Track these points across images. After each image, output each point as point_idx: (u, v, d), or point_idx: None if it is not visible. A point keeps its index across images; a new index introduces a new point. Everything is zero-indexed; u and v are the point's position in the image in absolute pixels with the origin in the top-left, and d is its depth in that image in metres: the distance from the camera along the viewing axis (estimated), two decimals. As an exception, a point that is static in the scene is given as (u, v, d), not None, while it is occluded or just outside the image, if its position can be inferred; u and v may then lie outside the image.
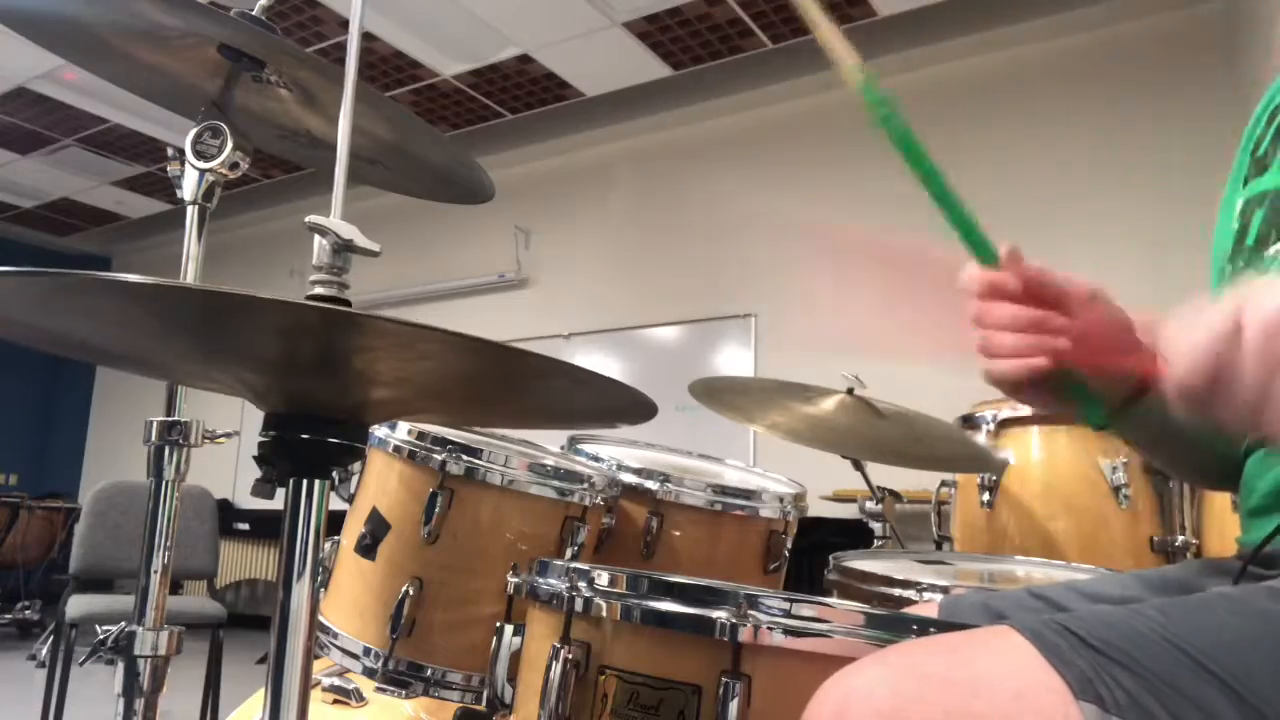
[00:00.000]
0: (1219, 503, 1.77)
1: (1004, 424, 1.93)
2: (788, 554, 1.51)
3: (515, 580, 0.88)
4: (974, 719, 0.51)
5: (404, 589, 1.18)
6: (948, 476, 2.06)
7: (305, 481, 0.73)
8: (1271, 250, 0.76)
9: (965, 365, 0.74)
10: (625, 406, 0.75)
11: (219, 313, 0.58)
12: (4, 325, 0.65)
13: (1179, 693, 0.52)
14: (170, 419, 1.03)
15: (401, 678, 1.18)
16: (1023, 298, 0.73)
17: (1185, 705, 0.51)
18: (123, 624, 0.96)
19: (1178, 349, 0.55)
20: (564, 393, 0.75)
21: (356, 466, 1.29)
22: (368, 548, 1.22)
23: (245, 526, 5.95)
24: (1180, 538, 1.79)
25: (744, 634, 0.69)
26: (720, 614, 0.70)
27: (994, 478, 1.89)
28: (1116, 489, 1.79)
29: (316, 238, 0.72)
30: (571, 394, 0.75)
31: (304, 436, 0.72)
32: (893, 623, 0.69)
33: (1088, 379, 0.75)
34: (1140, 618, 0.56)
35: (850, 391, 1.73)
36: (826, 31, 0.68)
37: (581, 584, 0.78)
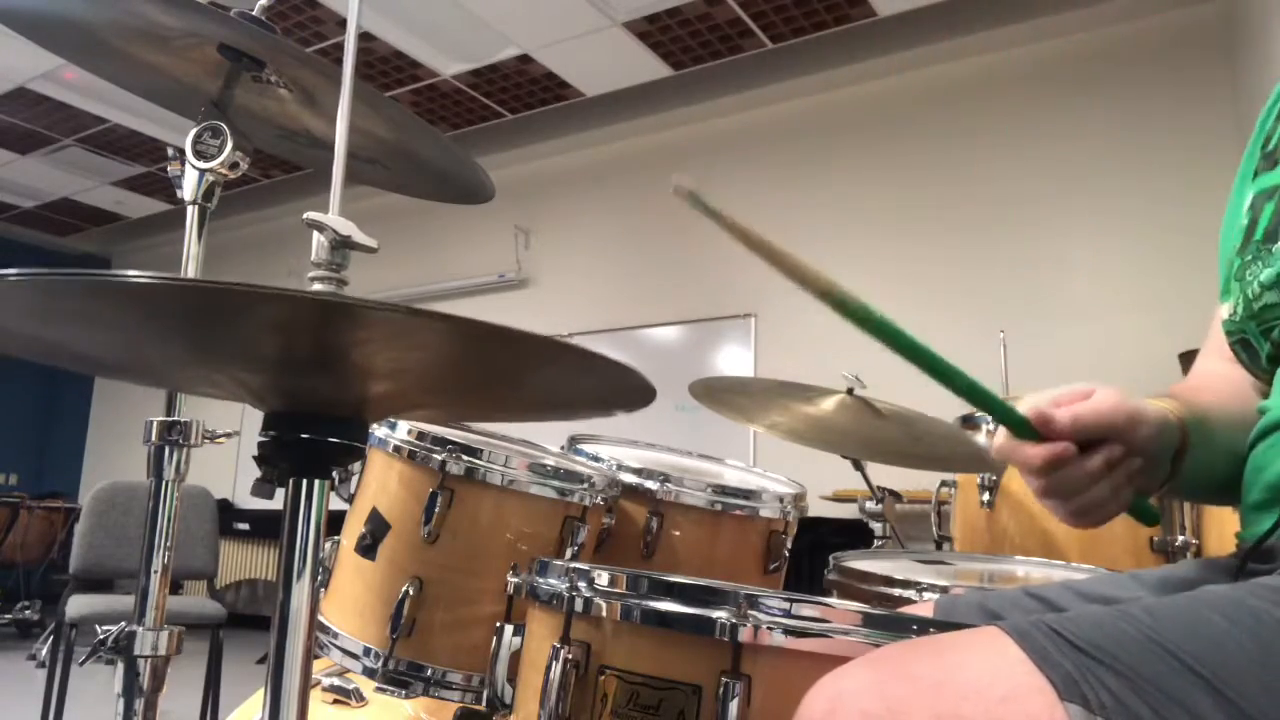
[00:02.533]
0: (1219, 502, 1.77)
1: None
2: (788, 554, 1.50)
3: (515, 580, 0.88)
4: None
5: (404, 589, 1.18)
6: (948, 476, 2.06)
7: (305, 481, 0.73)
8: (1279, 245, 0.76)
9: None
10: (624, 392, 0.75)
11: (216, 309, 0.58)
12: (3, 338, 0.65)
13: (1164, 693, 0.52)
14: (170, 419, 1.03)
15: (401, 678, 1.18)
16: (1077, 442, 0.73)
17: (1170, 706, 0.51)
18: (123, 624, 0.96)
19: None
20: (562, 378, 0.75)
21: (356, 466, 1.29)
22: (368, 548, 1.22)
23: (245, 526, 5.95)
24: (1180, 538, 1.79)
25: (744, 634, 0.69)
26: (720, 614, 0.70)
27: (994, 478, 1.89)
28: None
29: (315, 234, 0.72)
30: (569, 379, 0.75)
31: (304, 436, 0.72)
32: (892, 623, 0.69)
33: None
34: (1127, 618, 0.56)
35: (850, 391, 1.73)
36: (787, 258, 0.70)
37: (581, 584, 0.78)
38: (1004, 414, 0.73)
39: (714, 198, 0.62)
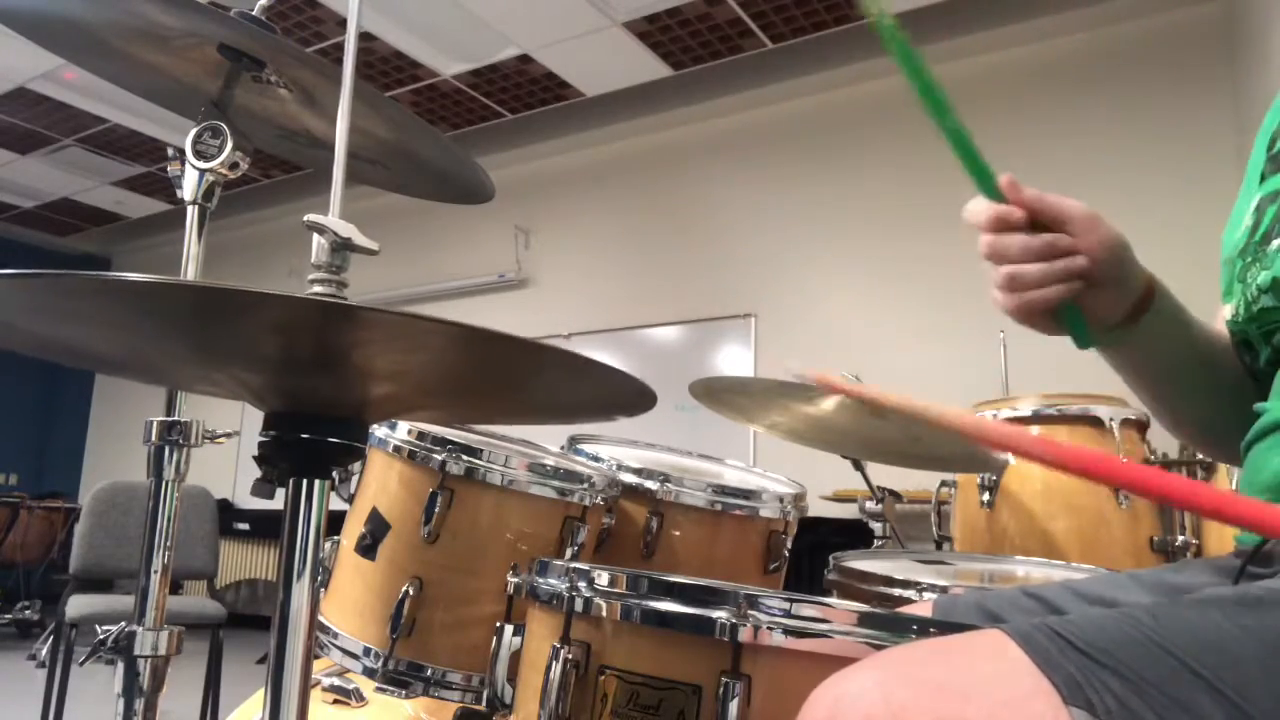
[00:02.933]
0: (1219, 502, 1.77)
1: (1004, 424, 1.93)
2: (788, 554, 1.50)
3: (515, 580, 0.88)
4: None
5: (404, 589, 1.18)
6: (948, 476, 2.06)
7: (305, 481, 0.73)
8: (1275, 245, 0.76)
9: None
10: (625, 397, 0.75)
11: (216, 310, 0.58)
12: (3, 332, 0.65)
13: (1168, 697, 0.51)
14: (170, 419, 1.03)
15: (401, 678, 1.18)
16: (1028, 226, 0.77)
17: (1174, 709, 0.51)
18: (123, 624, 0.96)
19: None
20: (562, 384, 0.75)
21: (356, 466, 1.29)
22: (368, 548, 1.22)
23: (245, 526, 5.95)
24: (1180, 538, 1.79)
25: (744, 634, 0.69)
26: (720, 614, 0.70)
27: (994, 478, 1.89)
28: (1117, 489, 1.79)
29: (315, 236, 0.72)
30: (570, 385, 0.75)
31: (304, 436, 0.72)
32: (893, 623, 0.69)
33: (1081, 306, 0.79)
34: (1131, 621, 0.56)
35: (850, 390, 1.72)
36: None
37: (581, 584, 0.78)
38: (979, 170, 0.77)
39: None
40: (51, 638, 3.21)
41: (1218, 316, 0.89)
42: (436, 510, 1.19)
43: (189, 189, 1.06)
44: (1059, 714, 0.51)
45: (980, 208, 0.77)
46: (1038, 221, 0.77)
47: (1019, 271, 0.76)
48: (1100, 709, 0.51)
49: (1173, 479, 0.54)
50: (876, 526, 2.07)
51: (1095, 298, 0.79)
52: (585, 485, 1.26)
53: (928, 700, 0.53)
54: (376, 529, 1.22)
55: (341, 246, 0.72)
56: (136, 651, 0.96)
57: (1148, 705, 0.51)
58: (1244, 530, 0.58)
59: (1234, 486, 1.53)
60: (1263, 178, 0.83)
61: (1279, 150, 0.82)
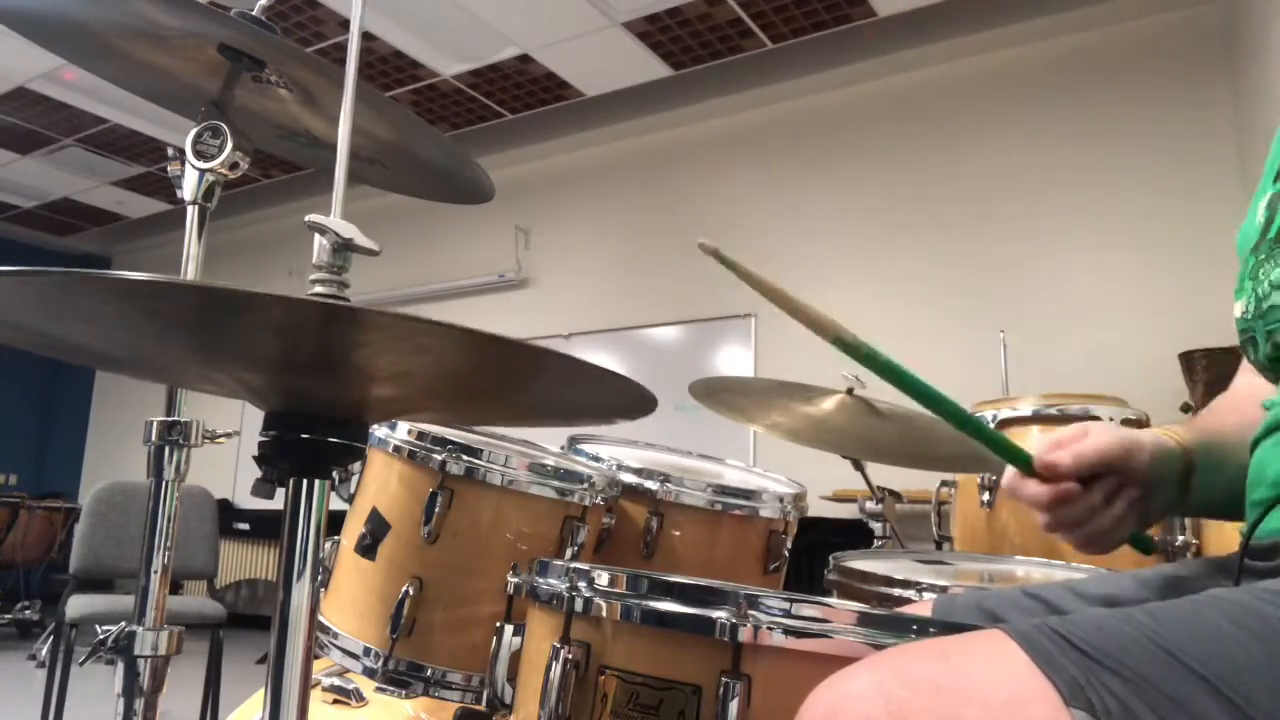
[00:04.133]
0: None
1: (1004, 424, 1.93)
2: (788, 554, 1.50)
3: (515, 580, 0.88)
4: None
5: (404, 589, 1.18)
6: (948, 476, 2.06)
7: (305, 481, 0.73)
8: None
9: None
10: (625, 400, 0.75)
11: (217, 310, 0.58)
12: (3, 329, 0.65)
13: (1169, 697, 0.51)
14: (170, 419, 1.03)
15: (401, 678, 1.18)
16: (1076, 478, 0.79)
17: (1175, 710, 0.51)
18: (123, 624, 0.96)
19: None
20: (563, 387, 0.75)
21: (356, 466, 1.29)
22: (368, 548, 1.22)
23: (245, 526, 5.95)
24: (1180, 537, 1.79)
25: (744, 634, 0.69)
26: (720, 614, 0.70)
27: (994, 478, 1.89)
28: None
29: (316, 237, 0.72)
30: (571, 388, 0.75)
31: (304, 436, 0.72)
32: (893, 623, 0.69)
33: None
34: (1131, 621, 0.56)
35: (850, 391, 1.73)
36: (801, 306, 0.74)
37: (581, 584, 0.78)
38: (1011, 454, 0.79)
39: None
40: (51, 638, 3.21)
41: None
42: (436, 510, 1.19)
43: (189, 189, 1.06)
44: (1060, 715, 0.51)
45: (1036, 493, 0.79)
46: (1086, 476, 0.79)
47: (1097, 528, 0.80)
48: (1101, 710, 0.51)
49: None
50: (876, 526, 2.07)
51: (1149, 503, 0.82)
52: (585, 485, 1.26)
53: (927, 700, 0.53)
54: (376, 529, 1.22)
55: (343, 247, 0.72)
56: (136, 651, 0.96)
57: (1149, 706, 0.51)
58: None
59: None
60: (1277, 175, 0.83)
61: None
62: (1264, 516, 0.69)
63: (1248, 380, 0.91)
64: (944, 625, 0.68)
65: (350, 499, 1.29)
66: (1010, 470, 0.81)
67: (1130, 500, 0.79)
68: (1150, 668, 0.53)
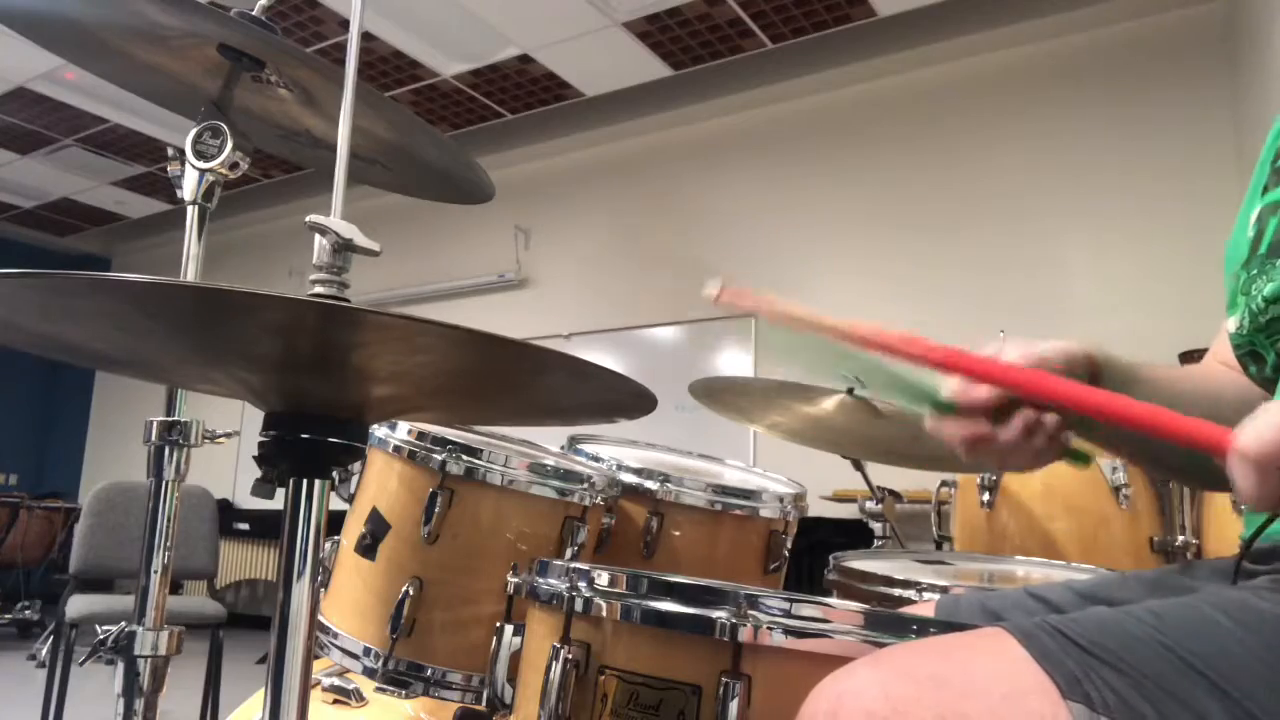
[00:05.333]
0: (1219, 502, 1.77)
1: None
2: (788, 554, 1.50)
3: (515, 580, 0.88)
4: None
5: (404, 589, 1.18)
6: (948, 476, 2.06)
7: (305, 481, 0.73)
8: None
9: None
10: (625, 400, 0.75)
11: (217, 311, 0.58)
12: (3, 330, 0.65)
13: (1168, 694, 0.52)
14: (170, 419, 1.03)
15: (401, 678, 1.18)
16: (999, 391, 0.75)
17: (1174, 706, 0.51)
18: (123, 624, 0.96)
19: (1265, 419, 0.55)
20: (563, 387, 0.75)
21: (356, 466, 1.29)
22: (368, 548, 1.22)
23: (245, 526, 5.95)
24: (1180, 538, 1.79)
25: (744, 634, 0.69)
26: (720, 614, 0.70)
27: (994, 478, 1.89)
28: (1116, 489, 1.80)
29: (316, 237, 0.72)
30: (570, 388, 0.75)
31: (304, 436, 0.72)
32: (892, 623, 0.69)
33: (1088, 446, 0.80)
34: (1132, 619, 0.56)
35: (850, 391, 1.73)
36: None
37: (581, 584, 0.78)
38: (931, 400, 0.78)
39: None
40: (51, 638, 3.21)
41: (1221, 331, 0.89)
42: (436, 510, 1.19)
43: (189, 189, 1.06)
44: (1058, 708, 0.51)
45: (951, 433, 0.78)
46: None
47: (1021, 459, 0.77)
48: (1099, 703, 0.51)
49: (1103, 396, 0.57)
50: (876, 526, 2.07)
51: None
52: (585, 485, 1.26)
53: (928, 696, 0.53)
54: (376, 529, 1.22)
55: (343, 247, 0.72)
56: (136, 651, 0.96)
57: (1147, 700, 0.51)
58: (1188, 449, 0.59)
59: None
60: (1264, 190, 0.83)
61: None
62: (1266, 525, 0.69)
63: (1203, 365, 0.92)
64: (944, 625, 0.69)
65: (350, 499, 1.29)
66: (929, 417, 0.78)
67: (1050, 429, 0.76)
68: (1148, 663, 0.53)
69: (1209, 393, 0.87)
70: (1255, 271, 0.79)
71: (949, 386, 0.76)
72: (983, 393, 0.75)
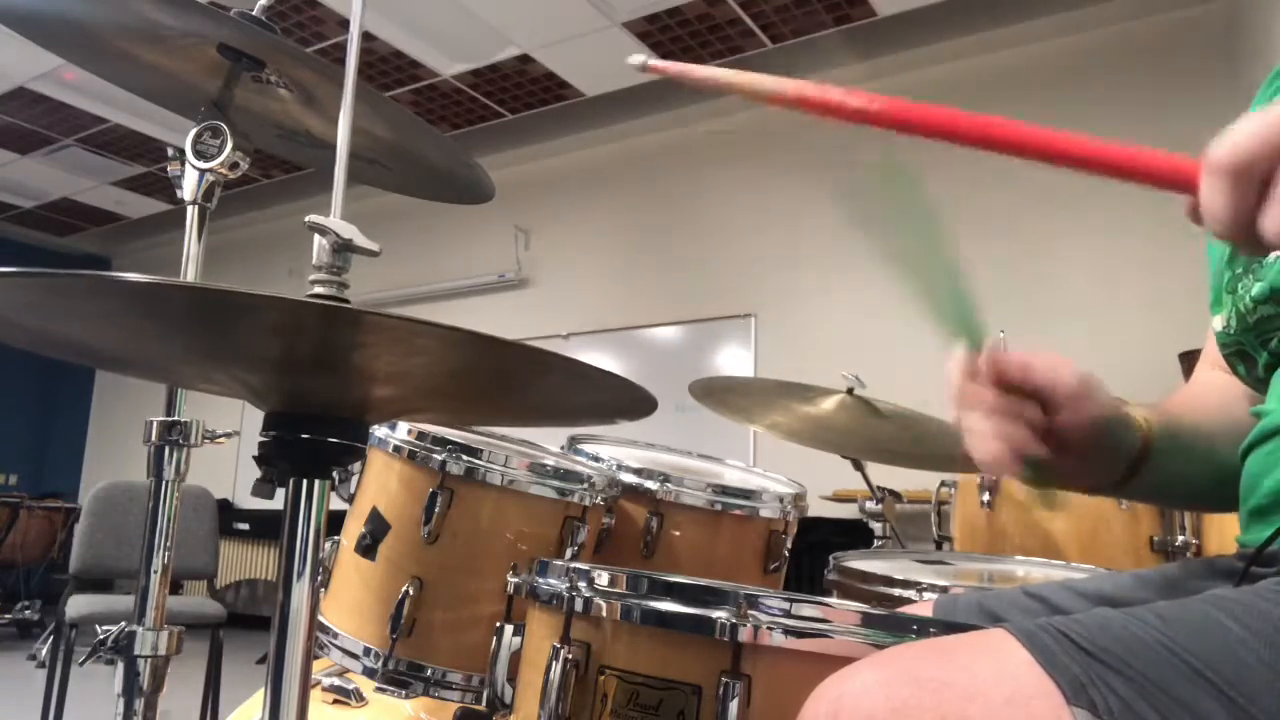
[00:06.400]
0: (1219, 503, 1.77)
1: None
2: (788, 554, 1.50)
3: (515, 580, 0.88)
4: None
5: (404, 589, 1.18)
6: (948, 476, 2.06)
7: (305, 481, 0.73)
8: (1270, 255, 0.75)
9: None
10: (625, 402, 0.75)
11: (217, 312, 0.58)
12: (3, 329, 0.65)
13: (1172, 698, 0.51)
14: (170, 419, 1.03)
15: (401, 678, 1.18)
16: (1003, 386, 0.72)
17: (1179, 711, 0.51)
18: (123, 624, 0.96)
19: (1238, 127, 0.50)
20: (562, 388, 0.75)
21: (356, 466, 1.29)
22: (368, 548, 1.22)
23: (245, 526, 5.95)
24: (1180, 537, 1.79)
25: (744, 634, 0.69)
26: (720, 614, 0.70)
27: (994, 478, 1.89)
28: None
29: (316, 237, 0.72)
30: (570, 390, 0.75)
31: (304, 436, 0.72)
32: (893, 623, 0.69)
33: (1053, 472, 0.75)
34: (1136, 622, 0.56)
35: (850, 391, 1.73)
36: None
37: (581, 584, 0.78)
38: (971, 328, 0.75)
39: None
40: (51, 638, 3.21)
41: (1210, 328, 0.88)
42: (436, 510, 1.18)
43: (189, 189, 1.06)
44: (1061, 714, 0.51)
45: (960, 357, 0.74)
46: (1019, 388, 0.72)
47: (967, 420, 0.73)
48: (1103, 709, 0.51)
49: (1070, 137, 0.50)
50: (876, 526, 2.07)
51: (1080, 467, 0.75)
52: (585, 485, 1.26)
53: (930, 698, 0.53)
54: (376, 529, 1.22)
55: (343, 248, 0.72)
56: (136, 651, 0.96)
57: (1151, 707, 0.51)
58: (1157, 186, 0.55)
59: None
60: None
61: None
62: (1276, 536, 0.69)
63: (1201, 377, 0.91)
64: (944, 625, 0.69)
65: (350, 499, 1.29)
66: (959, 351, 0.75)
67: (1021, 443, 0.70)
68: (1153, 668, 0.53)
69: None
70: (1241, 270, 0.78)
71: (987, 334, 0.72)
72: (1015, 364, 0.71)
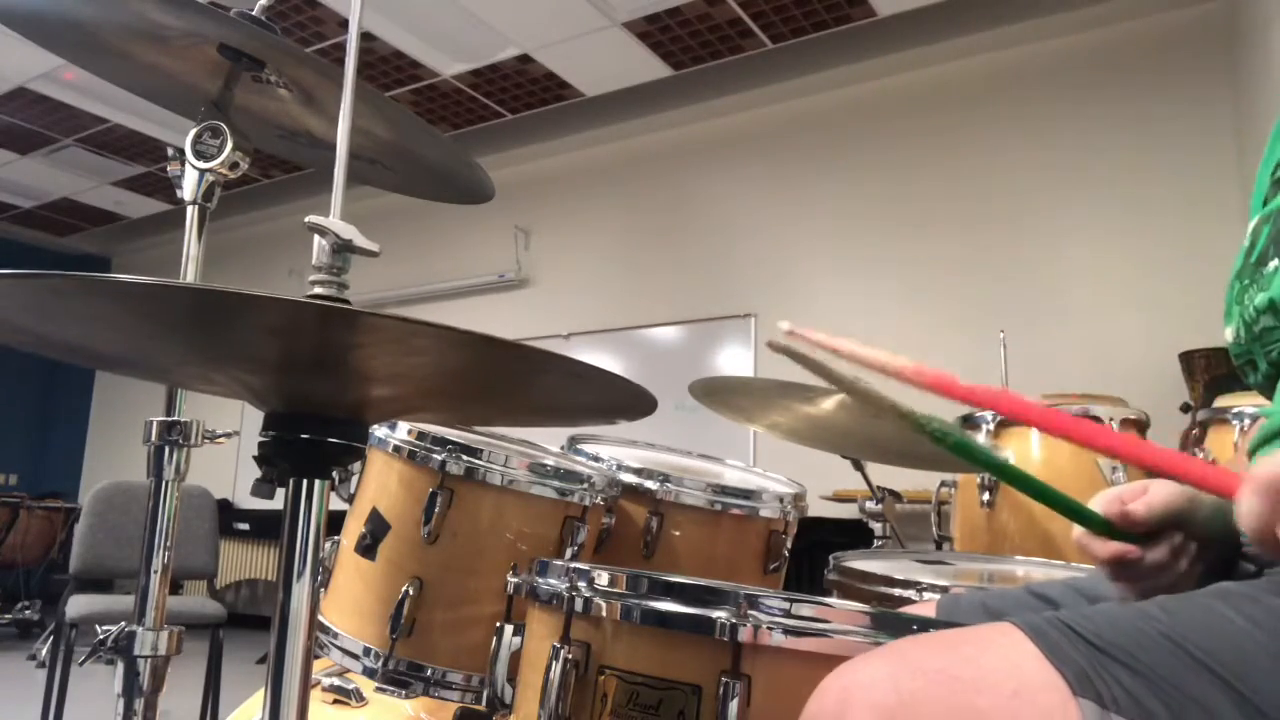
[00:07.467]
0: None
1: (1004, 424, 1.93)
2: (788, 554, 1.50)
3: (515, 580, 0.88)
4: (974, 715, 0.52)
5: (404, 589, 1.18)
6: (948, 476, 2.07)
7: (305, 481, 0.73)
8: (1271, 266, 0.76)
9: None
10: (625, 402, 0.75)
11: (216, 312, 0.58)
12: (3, 330, 0.65)
13: (1180, 691, 0.52)
14: (170, 419, 1.03)
15: (401, 678, 1.18)
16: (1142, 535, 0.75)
17: (1185, 703, 0.51)
18: (123, 624, 0.96)
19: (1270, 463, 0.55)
20: (562, 388, 0.75)
21: (356, 466, 1.29)
22: (368, 548, 1.22)
23: (245, 526, 5.95)
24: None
25: (744, 634, 0.69)
26: (720, 614, 0.70)
27: (994, 478, 1.89)
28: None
29: (316, 238, 0.72)
30: (570, 389, 0.75)
31: (304, 436, 0.72)
32: (892, 622, 0.69)
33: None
34: (1143, 615, 0.56)
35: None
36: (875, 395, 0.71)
37: (581, 584, 0.78)
38: (1084, 516, 0.76)
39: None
40: (51, 638, 3.21)
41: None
42: (436, 510, 1.19)
43: (189, 189, 1.06)
44: (1068, 705, 0.51)
45: (1099, 550, 0.76)
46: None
47: (1161, 584, 0.76)
48: (1109, 700, 0.51)
49: (1146, 445, 0.56)
50: (876, 526, 2.07)
51: (1217, 555, 0.78)
52: (585, 485, 1.26)
53: (937, 690, 0.53)
54: (376, 529, 1.22)
55: (342, 248, 0.72)
56: (136, 651, 0.96)
57: (1157, 697, 0.51)
58: (1204, 489, 0.60)
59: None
60: (1265, 202, 0.83)
61: None
62: None
63: None
64: (944, 625, 0.69)
65: (350, 499, 1.29)
66: (1079, 529, 0.77)
67: (1192, 556, 0.76)
68: (1158, 660, 0.53)
69: None
70: (1248, 281, 0.79)
71: (1104, 504, 0.75)
72: (1140, 513, 0.74)
